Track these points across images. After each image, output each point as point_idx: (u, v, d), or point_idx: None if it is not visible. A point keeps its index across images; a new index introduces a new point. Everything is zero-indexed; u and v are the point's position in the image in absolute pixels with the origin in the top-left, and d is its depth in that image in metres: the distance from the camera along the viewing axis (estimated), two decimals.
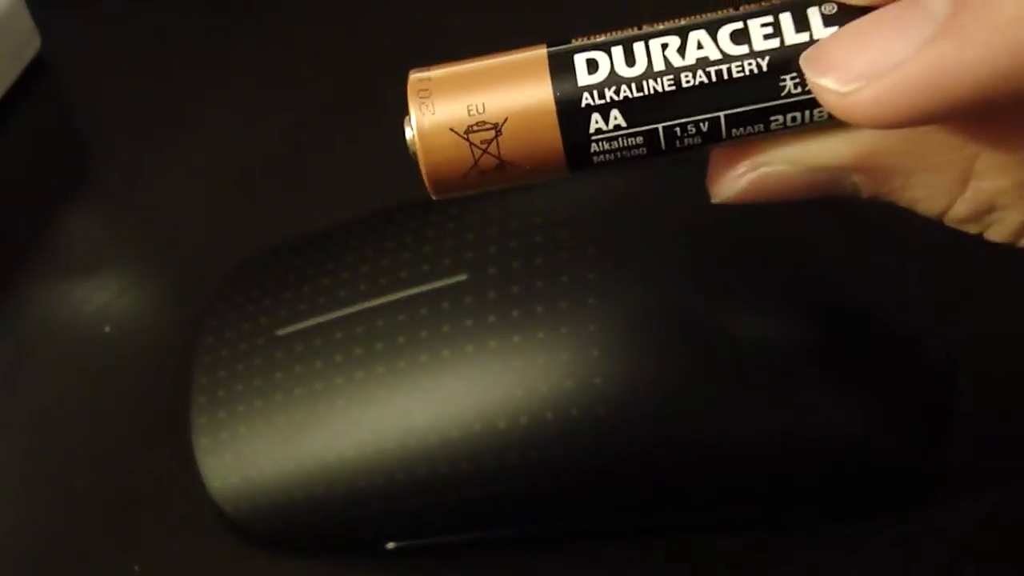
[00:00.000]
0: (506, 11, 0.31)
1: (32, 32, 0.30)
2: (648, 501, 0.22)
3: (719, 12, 0.15)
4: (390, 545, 0.22)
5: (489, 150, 0.15)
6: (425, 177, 0.15)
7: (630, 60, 0.14)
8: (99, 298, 0.27)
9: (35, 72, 0.30)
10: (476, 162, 0.15)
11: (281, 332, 0.23)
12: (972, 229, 0.15)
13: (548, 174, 0.15)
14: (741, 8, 0.15)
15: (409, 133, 0.15)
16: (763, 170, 0.15)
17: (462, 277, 0.22)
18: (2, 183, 0.29)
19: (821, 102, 0.14)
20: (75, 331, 0.26)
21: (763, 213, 0.22)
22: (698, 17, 0.15)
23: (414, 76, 0.15)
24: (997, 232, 0.15)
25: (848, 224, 0.23)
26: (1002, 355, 0.23)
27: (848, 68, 0.13)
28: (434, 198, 0.16)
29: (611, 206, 0.22)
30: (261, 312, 0.23)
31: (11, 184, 0.29)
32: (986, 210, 0.15)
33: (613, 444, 0.21)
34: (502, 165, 0.15)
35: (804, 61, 0.14)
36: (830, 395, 0.21)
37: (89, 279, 0.27)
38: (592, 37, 0.15)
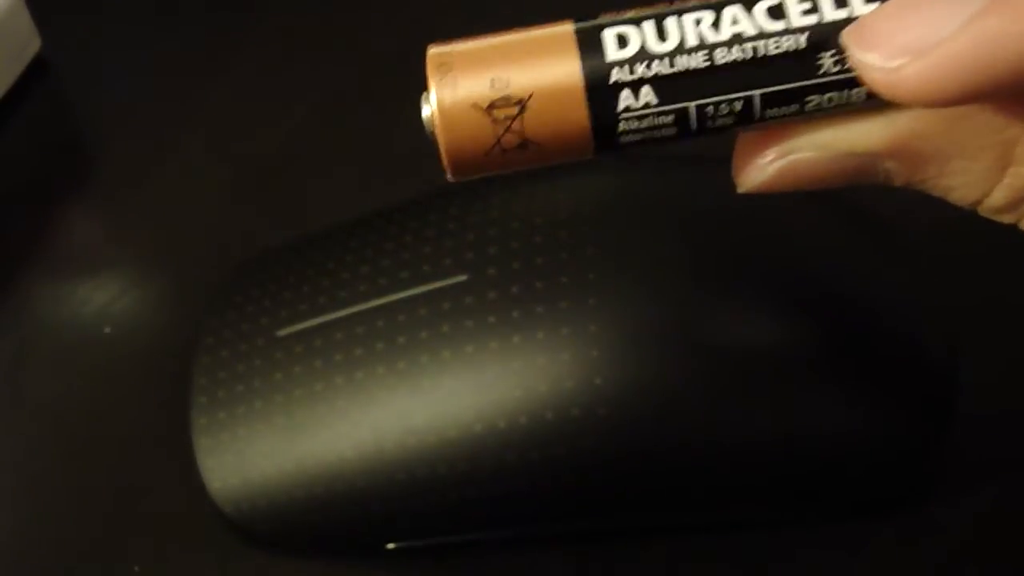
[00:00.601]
0: (505, 11, 0.31)
1: (32, 32, 0.30)
2: (648, 501, 0.22)
3: None
4: (390, 546, 0.22)
5: (512, 127, 0.14)
6: (444, 155, 0.14)
7: (662, 35, 0.14)
8: (99, 298, 0.27)
9: (35, 72, 0.30)
10: (498, 140, 0.14)
11: (281, 333, 0.23)
12: (1008, 219, 0.15)
13: (572, 154, 0.15)
14: None
15: (427, 110, 0.14)
16: (793, 157, 0.15)
17: (462, 277, 0.22)
18: (2, 183, 0.29)
19: (864, 80, 0.13)
20: (75, 331, 0.26)
21: (764, 213, 0.22)
22: None
23: (434, 50, 0.15)
24: None
25: (849, 222, 0.23)
26: (1002, 353, 0.23)
27: (893, 43, 0.13)
28: (451, 179, 0.15)
29: (611, 206, 0.22)
30: (261, 313, 0.23)
31: (11, 184, 0.29)
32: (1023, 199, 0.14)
33: (613, 444, 0.21)
34: (525, 144, 0.14)
35: (847, 37, 0.13)
36: (830, 393, 0.21)
37: (89, 279, 0.27)
38: (622, 13, 0.14)
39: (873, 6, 0.13)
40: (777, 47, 0.14)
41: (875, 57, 0.13)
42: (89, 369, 0.25)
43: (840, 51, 0.14)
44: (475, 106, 0.14)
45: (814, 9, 0.14)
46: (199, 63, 0.31)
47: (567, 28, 0.14)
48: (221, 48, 0.31)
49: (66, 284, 0.27)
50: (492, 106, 0.14)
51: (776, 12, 0.14)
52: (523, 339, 0.21)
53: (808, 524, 0.22)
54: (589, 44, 0.14)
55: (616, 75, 0.14)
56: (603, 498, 0.22)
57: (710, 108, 0.14)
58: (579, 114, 0.14)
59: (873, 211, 0.23)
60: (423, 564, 0.22)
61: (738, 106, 0.14)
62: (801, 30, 0.14)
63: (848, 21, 0.14)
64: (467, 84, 0.14)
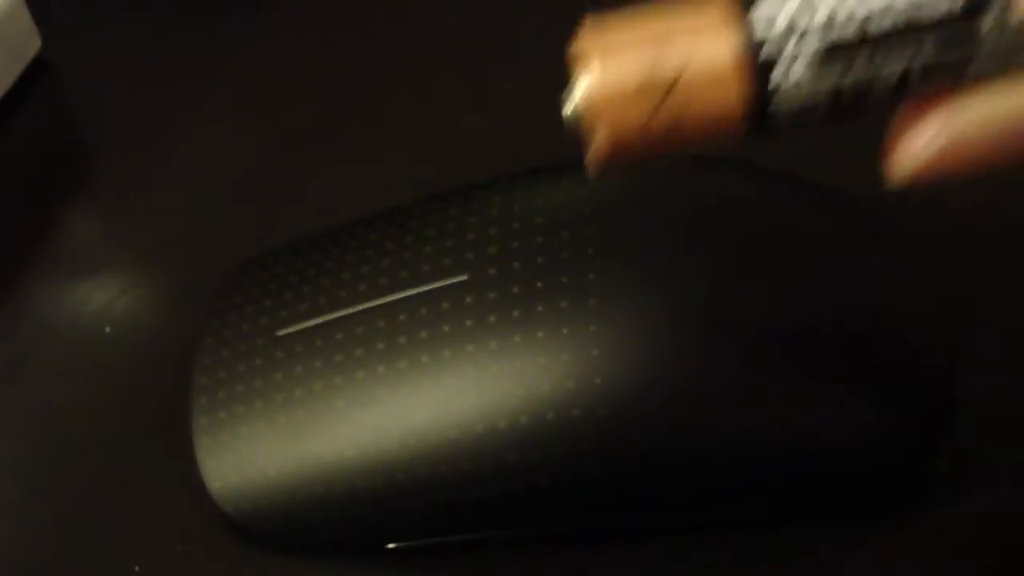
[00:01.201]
0: (504, 11, 0.31)
1: (32, 32, 0.30)
2: (648, 501, 0.22)
3: None
4: (390, 546, 0.22)
5: (663, 107, 0.14)
6: (598, 139, 0.14)
7: (810, 8, 0.13)
8: (100, 298, 0.27)
9: (35, 72, 0.30)
10: (648, 122, 0.14)
11: (281, 332, 0.23)
12: None
13: (723, 134, 0.14)
14: None
15: (577, 96, 0.14)
16: (954, 134, 0.14)
17: (463, 277, 0.22)
18: (2, 183, 0.29)
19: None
20: (76, 331, 0.26)
21: (764, 214, 0.22)
22: None
23: (584, 33, 0.14)
24: None
25: (849, 223, 0.23)
26: (1002, 355, 0.23)
27: None
28: (596, 172, 0.15)
29: (612, 206, 0.22)
30: (261, 313, 0.23)
31: (11, 184, 0.29)
32: None
33: (614, 444, 0.21)
34: (676, 125, 0.14)
35: None
36: (830, 394, 0.21)
37: (90, 279, 0.27)
38: None
39: None
40: (933, 14, 0.13)
41: None
42: (89, 369, 0.25)
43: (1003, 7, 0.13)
44: (628, 87, 0.14)
45: None
46: (199, 63, 0.31)
47: (716, 5, 0.14)
48: (221, 48, 0.31)
49: (66, 284, 0.27)
50: (645, 86, 0.14)
51: None
52: (523, 339, 0.21)
53: (808, 524, 0.22)
54: (740, 20, 0.14)
55: (767, 52, 0.13)
56: (603, 498, 0.22)
57: (864, 85, 0.13)
58: (731, 95, 0.14)
59: (873, 212, 0.23)
60: (423, 564, 0.22)
61: (893, 80, 0.13)
62: None
63: None
64: (618, 66, 0.14)
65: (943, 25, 0.13)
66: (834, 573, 0.22)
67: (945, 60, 0.13)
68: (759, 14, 0.14)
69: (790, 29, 0.13)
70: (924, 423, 0.22)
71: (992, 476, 0.22)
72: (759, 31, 0.13)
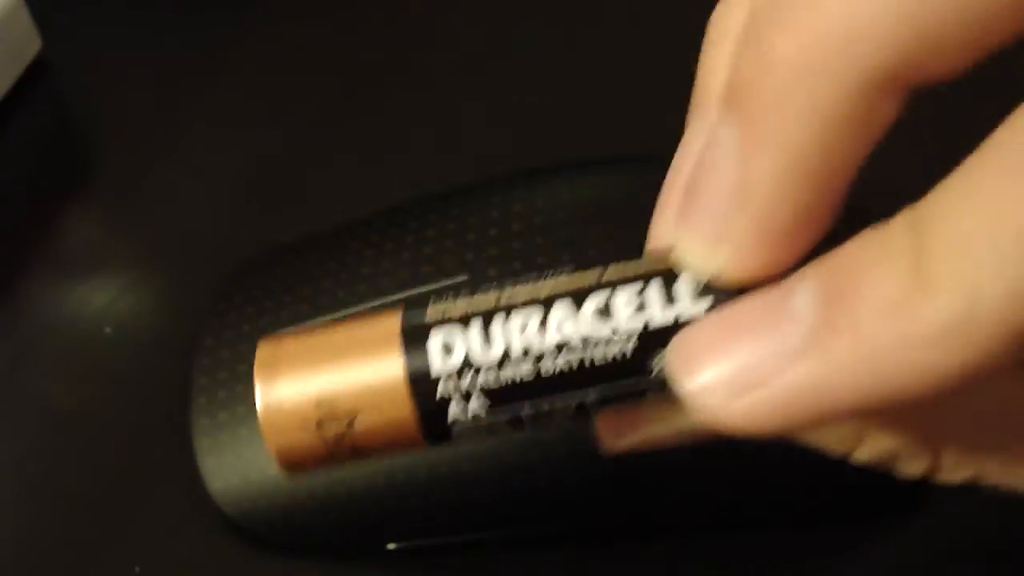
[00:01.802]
0: (504, 10, 0.31)
1: (32, 32, 0.30)
2: (648, 502, 0.22)
3: (588, 273, 0.14)
4: (390, 545, 0.22)
5: (344, 441, 0.14)
6: (275, 460, 0.14)
7: (487, 341, 0.13)
8: (100, 299, 0.27)
9: (35, 72, 0.30)
10: (329, 452, 0.14)
11: (281, 332, 0.23)
12: (881, 467, 0.15)
13: (406, 452, 0.14)
14: (610, 270, 0.14)
15: (257, 410, 0.14)
16: (646, 432, 0.15)
17: (463, 278, 0.22)
18: (2, 183, 0.29)
19: (688, 407, 0.13)
20: (76, 332, 0.26)
21: None
22: (566, 279, 0.14)
23: (261, 352, 0.14)
24: (906, 472, 0.15)
25: (849, 225, 0.23)
26: None
27: (713, 377, 0.12)
28: (286, 474, 0.15)
29: (611, 206, 0.22)
30: (261, 313, 0.23)
31: (11, 184, 0.29)
32: (889, 459, 0.14)
33: None
34: (357, 451, 0.14)
35: (669, 360, 0.13)
36: None
37: (89, 280, 0.27)
38: (451, 304, 0.14)
39: (703, 306, 0.13)
40: (605, 353, 0.13)
41: (694, 388, 0.12)
42: (89, 369, 0.25)
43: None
44: (303, 422, 0.14)
45: (642, 308, 0.13)
46: (199, 63, 0.31)
47: (394, 328, 0.14)
48: (221, 48, 0.31)
49: (66, 284, 0.27)
50: (320, 423, 0.14)
51: (604, 313, 0.13)
52: None
53: (808, 525, 0.22)
54: (414, 352, 0.13)
55: (443, 387, 0.13)
56: (603, 498, 0.22)
57: (543, 411, 0.14)
58: (409, 426, 0.14)
59: (873, 212, 0.23)
60: (423, 564, 0.22)
61: (572, 408, 0.14)
62: (628, 335, 0.13)
63: (675, 325, 0.13)
64: (293, 400, 0.14)
65: (617, 362, 0.13)
66: (834, 573, 0.22)
67: (619, 393, 0.13)
68: (434, 345, 0.13)
69: (465, 363, 0.13)
70: None
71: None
72: (434, 365, 0.13)
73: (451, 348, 0.13)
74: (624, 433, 0.15)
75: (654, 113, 0.28)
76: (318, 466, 0.14)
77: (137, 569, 0.23)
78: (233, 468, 0.22)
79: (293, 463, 0.14)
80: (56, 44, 0.31)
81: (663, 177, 0.23)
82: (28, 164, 0.29)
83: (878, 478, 0.22)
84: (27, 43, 0.30)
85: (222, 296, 0.24)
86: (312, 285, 0.23)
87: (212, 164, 0.29)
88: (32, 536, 0.23)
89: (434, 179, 0.25)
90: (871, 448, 0.14)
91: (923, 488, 0.22)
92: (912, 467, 0.15)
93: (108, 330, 0.26)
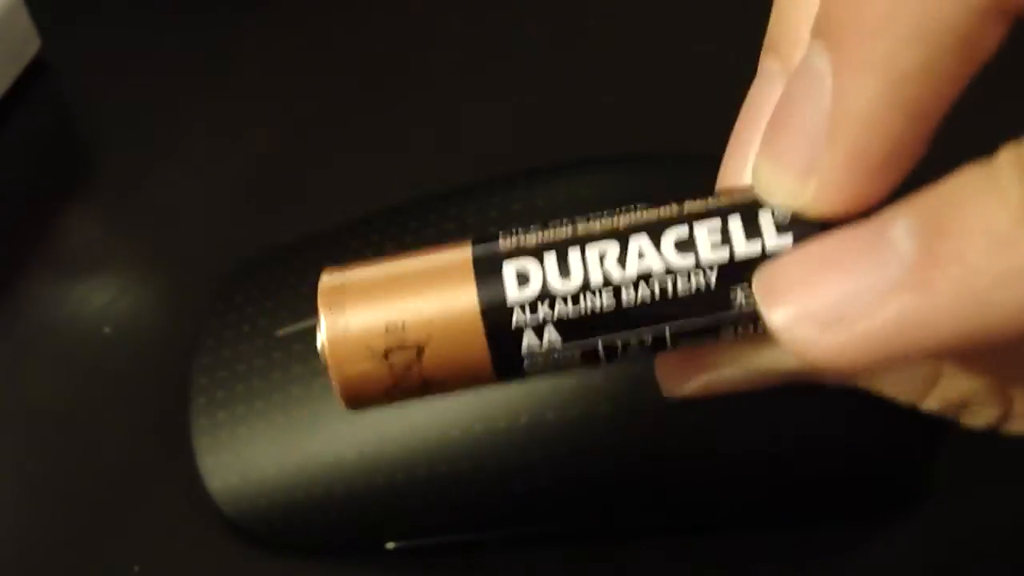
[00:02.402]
0: (505, 9, 0.31)
1: (32, 32, 0.30)
2: (648, 501, 0.22)
3: (662, 209, 0.13)
4: (390, 545, 0.22)
5: (411, 372, 0.13)
6: (338, 394, 0.14)
7: (564, 271, 0.13)
8: (99, 299, 0.27)
9: (35, 72, 0.30)
10: (396, 383, 0.13)
11: (281, 332, 0.23)
12: (948, 416, 0.15)
13: (475, 387, 0.14)
14: (686, 205, 0.13)
15: (320, 342, 0.13)
16: (713, 375, 0.14)
17: None
18: (2, 183, 0.29)
19: (775, 338, 0.12)
20: (75, 332, 0.26)
21: None
22: (641, 214, 0.13)
23: (326, 280, 0.14)
24: (973, 422, 0.14)
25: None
26: None
27: (804, 310, 0.12)
28: (348, 409, 0.14)
29: (612, 207, 0.22)
30: (261, 313, 0.23)
31: (11, 184, 0.29)
32: (959, 405, 0.14)
33: (614, 444, 0.21)
34: (425, 384, 0.13)
35: (756, 291, 0.13)
36: (830, 394, 0.21)
37: (89, 280, 0.27)
38: (523, 236, 0.13)
39: (786, 239, 0.13)
40: (687, 285, 0.13)
41: (784, 320, 0.12)
42: (89, 369, 0.25)
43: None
44: (371, 350, 0.13)
45: (725, 242, 0.13)
46: (199, 63, 0.31)
47: (466, 258, 0.13)
48: (221, 48, 0.31)
49: (66, 284, 0.27)
50: (388, 352, 0.13)
51: (685, 245, 0.13)
52: None
53: (807, 525, 0.22)
54: (488, 283, 0.13)
55: (517, 318, 0.13)
56: (603, 498, 0.22)
57: (618, 345, 0.13)
58: (481, 356, 0.13)
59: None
60: (423, 564, 0.22)
61: (648, 341, 0.13)
62: (711, 266, 0.13)
63: (760, 258, 0.13)
64: (361, 326, 0.13)
65: (698, 295, 0.13)
66: (834, 573, 0.22)
67: (697, 328, 0.13)
68: (508, 273, 0.13)
69: (541, 293, 0.13)
70: (924, 423, 0.22)
71: (992, 477, 0.22)
72: (509, 295, 0.13)
73: (527, 277, 0.13)
74: (690, 376, 0.14)
75: (654, 112, 0.28)
76: (382, 400, 0.14)
77: (136, 568, 0.23)
78: (233, 468, 0.22)
79: (357, 396, 0.14)
80: (56, 44, 0.31)
81: (663, 177, 0.22)
82: (27, 164, 0.29)
83: (877, 478, 0.22)
84: (27, 43, 0.30)
85: (222, 296, 0.24)
86: (312, 285, 0.23)
87: (212, 164, 0.29)
88: (32, 536, 0.23)
89: (434, 179, 0.25)
90: (943, 394, 0.14)
91: (922, 488, 0.22)
92: (981, 415, 0.14)
93: (107, 330, 0.26)
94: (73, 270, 0.27)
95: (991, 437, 0.22)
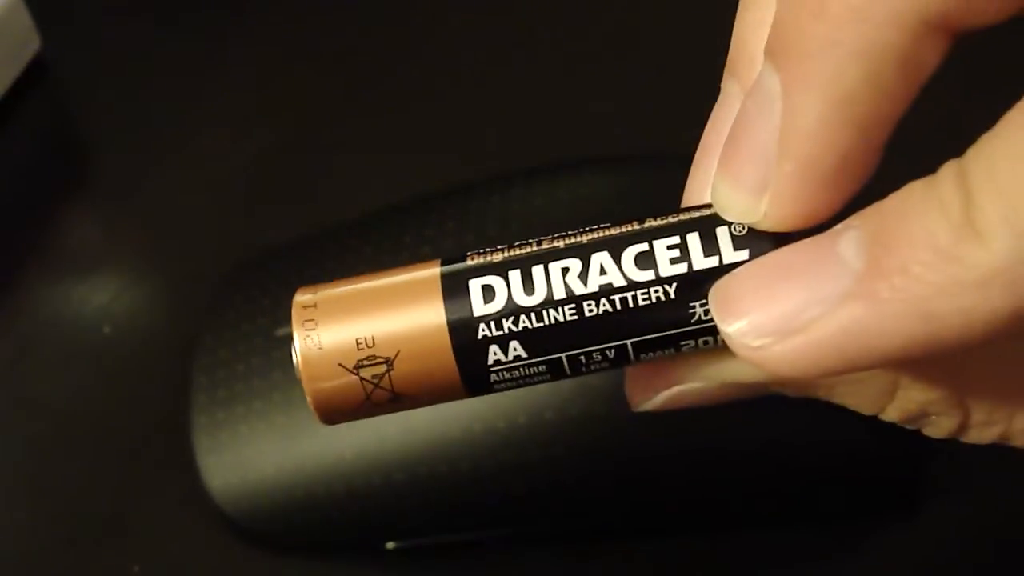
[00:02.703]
0: (505, 9, 0.31)
1: (32, 32, 0.30)
2: (647, 501, 0.22)
3: (623, 227, 0.14)
4: (390, 545, 0.22)
5: (381, 384, 0.14)
6: (312, 408, 0.14)
7: (528, 287, 0.13)
8: (99, 298, 0.27)
9: (35, 72, 0.30)
10: (368, 397, 0.14)
11: (280, 332, 0.23)
12: (909, 426, 0.15)
13: (444, 400, 0.14)
14: (646, 223, 0.14)
15: (295, 358, 0.14)
16: (679, 388, 0.15)
17: None
18: (2, 183, 0.29)
19: (731, 348, 0.13)
20: (75, 331, 0.26)
21: None
22: (601, 232, 0.14)
23: (299, 299, 0.14)
24: (933, 432, 0.15)
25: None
26: None
27: (757, 320, 0.12)
28: (323, 423, 0.15)
29: (612, 206, 0.22)
30: (260, 312, 0.23)
31: (11, 185, 0.29)
32: (918, 416, 0.14)
33: (612, 444, 0.21)
34: (396, 397, 0.14)
35: (712, 304, 0.13)
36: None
37: (89, 279, 0.27)
38: (489, 254, 0.14)
39: (743, 254, 0.13)
40: (647, 298, 0.13)
41: (738, 332, 0.13)
42: (89, 369, 0.25)
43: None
44: (342, 366, 0.14)
45: (683, 257, 0.13)
46: (199, 63, 0.31)
47: (433, 275, 0.14)
48: (221, 48, 0.31)
49: (66, 284, 0.27)
50: (359, 365, 0.14)
51: (644, 260, 0.13)
52: None
53: (807, 525, 0.22)
54: (455, 298, 0.14)
55: (483, 331, 0.13)
56: (602, 498, 0.22)
57: (583, 357, 0.14)
58: (448, 370, 0.14)
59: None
60: (423, 564, 0.22)
61: (611, 354, 0.14)
62: (670, 280, 0.13)
63: (718, 271, 0.13)
64: (332, 342, 0.14)
65: (659, 307, 0.13)
66: (834, 573, 0.22)
67: (659, 341, 0.13)
68: (474, 289, 0.14)
69: (506, 307, 0.13)
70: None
71: (990, 477, 0.22)
72: (475, 309, 0.13)
73: (492, 293, 0.13)
74: (655, 388, 0.15)
75: (654, 113, 0.28)
76: (356, 415, 0.14)
77: (136, 568, 0.23)
78: (232, 467, 0.22)
79: (330, 410, 0.14)
80: (56, 44, 0.31)
81: (663, 176, 0.22)
82: (28, 164, 0.29)
83: (877, 477, 0.22)
84: (26, 43, 0.30)
85: (221, 296, 0.24)
86: (312, 285, 0.23)
87: (211, 164, 0.29)
88: (32, 535, 0.23)
89: (434, 179, 0.25)
90: (901, 404, 0.14)
91: (921, 488, 0.22)
92: (941, 425, 0.15)
93: (107, 329, 0.26)
94: (72, 269, 0.27)
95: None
